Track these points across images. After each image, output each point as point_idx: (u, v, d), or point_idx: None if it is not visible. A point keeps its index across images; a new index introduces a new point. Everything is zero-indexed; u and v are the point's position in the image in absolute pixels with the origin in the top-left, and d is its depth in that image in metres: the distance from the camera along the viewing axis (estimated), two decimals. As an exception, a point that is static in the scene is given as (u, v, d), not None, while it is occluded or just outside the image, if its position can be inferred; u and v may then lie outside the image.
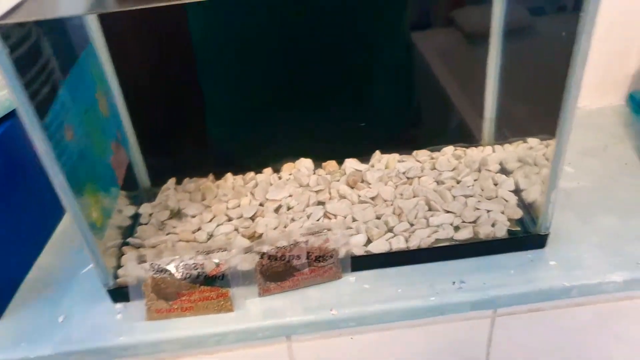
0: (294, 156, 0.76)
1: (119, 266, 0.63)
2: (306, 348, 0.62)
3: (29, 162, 0.66)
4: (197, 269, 0.59)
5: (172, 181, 0.75)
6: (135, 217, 0.70)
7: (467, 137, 0.76)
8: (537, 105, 0.69)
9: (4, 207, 0.62)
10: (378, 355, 0.65)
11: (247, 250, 0.60)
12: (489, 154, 0.73)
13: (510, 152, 0.72)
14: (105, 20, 0.63)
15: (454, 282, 0.59)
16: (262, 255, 0.58)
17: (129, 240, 0.66)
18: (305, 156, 0.76)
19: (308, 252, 0.59)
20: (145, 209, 0.71)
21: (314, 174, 0.74)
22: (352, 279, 0.61)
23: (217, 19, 0.70)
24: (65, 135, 0.53)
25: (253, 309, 0.59)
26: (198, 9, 0.68)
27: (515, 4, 0.65)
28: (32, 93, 0.47)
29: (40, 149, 0.49)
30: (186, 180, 0.75)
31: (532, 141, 0.72)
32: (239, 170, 0.76)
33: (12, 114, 0.65)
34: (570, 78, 0.49)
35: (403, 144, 0.76)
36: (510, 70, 0.69)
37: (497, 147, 0.74)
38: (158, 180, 0.75)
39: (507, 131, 0.73)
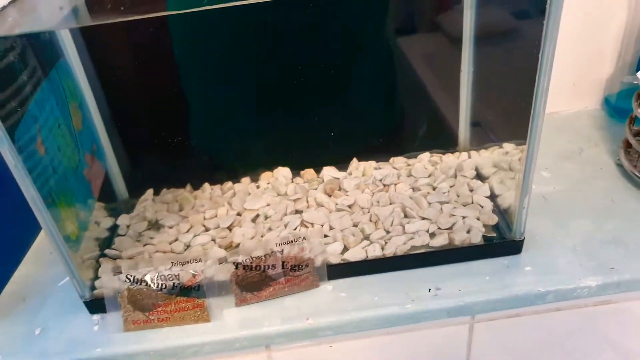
0: (272, 165, 0.77)
1: (96, 277, 0.63)
2: (285, 357, 0.62)
3: (4, 174, 0.65)
4: (173, 280, 0.59)
5: (149, 192, 0.74)
6: (114, 229, 0.70)
7: (444, 143, 0.76)
8: (511, 111, 0.69)
9: (-22, 221, 0.62)
10: (357, 363, 0.65)
11: (222, 261, 0.60)
12: (465, 159, 0.73)
13: (486, 157, 0.72)
14: (78, 33, 0.63)
15: (430, 289, 0.59)
16: (237, 265, 0.58)
17: (107, 251, 0.66)
18: (284, 165, 0.76)
19: (283, 262, 0.59)
20: (123, 220, 0.70)
21: (292, 182, 0.75)
22: (329, 288, 0.61)
23: (193, 30, 0.70)
24: (37, 149, 0.53)
25: (230, 319, 0.59)
26: (175, 19, 0.69)
27: (485, 9, 0.66)
28: (1, 106, 0.47)
29: (10, 163, 0.49)
30: (164, 191, 0.75)
31: (508, 146, 0.73)
32: (217, 180, 0.76)
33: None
34: (538, 84, 0.49)
35: (381, 151, 0.76)
36: (484, 75, 0.69)
37: (473, 152, 0.74)
38: (136, 191, 0.75)
39: (494, 135, 0.74)
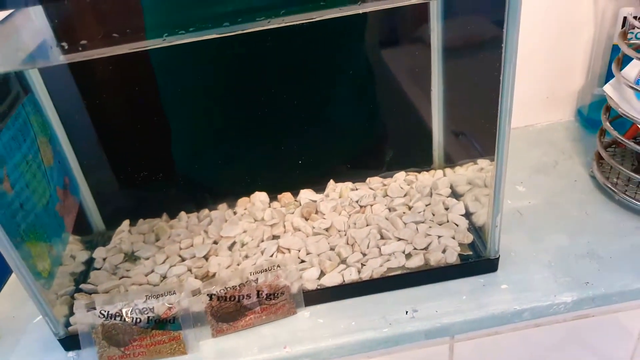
0: (249, 190, 0.76)
1: (71, 314, 0.62)
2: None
3: None
4: (147, 313, 0.58)
5: (126, 223, 0.74)
6: (90, 262, 0.69)
7: (419, 161, 0.76)
8: (483, 126, 0.70)
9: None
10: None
11: (196, 292, 0.59)
12: (440, 177, 0.73)
13: (461, 174, 0.72)
14: (46, 69, 0.63)
15: (407, 312, 0.59)
16: (212, 296, 0.57)
17: (82, 286, 0.65)
18: (261, 190, 0.76)
19: (258, 291, 0.58)
20: (99, 253, 0.70)
21: (269, 207, 0.74)
22: (306, 314, 0.60)
23: (168, 58, 0.70)
24: (2, 189, 0.53)
25: (207, 350, 0.58)
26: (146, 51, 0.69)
27: (452, 24, 0.67)
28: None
29: (-26, 205, 0.48)
30: (140, 221, 0.74)
31: (482, 162, 0.73)
32: (194, 207, 0.75)
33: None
34: (502, 101, 0.50)
35: (357, 171, 0.77)
36: (454, 90, 0.70)
37: (448, 170, 0.74)
38: (112, 222, 0.74)
39: (479, 146, 0.74)
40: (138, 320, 0.58)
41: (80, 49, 0.45)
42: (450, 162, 0.75)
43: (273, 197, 0.76)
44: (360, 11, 0.51)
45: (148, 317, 0.58)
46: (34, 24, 0.48)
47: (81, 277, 0.67)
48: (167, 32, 0.46)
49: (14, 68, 0.56)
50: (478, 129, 0.68)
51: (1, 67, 0.49)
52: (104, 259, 0.69)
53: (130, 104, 0.72)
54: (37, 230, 0.58)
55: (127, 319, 0.58)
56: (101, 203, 0.73)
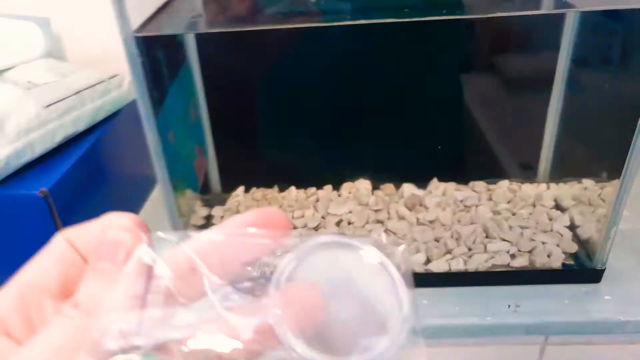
0: (352, 177, 0.81)
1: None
2: None
3: (111, 172, 0.72)
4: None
5: (241, 189, 0.80)
6: (209, 218, 0.75)
7: (523, 173, 0.79)
8: (595, 148, 0.73)
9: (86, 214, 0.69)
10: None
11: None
12: (544, 190, 0.76)
13: (565, 190, 0.75)
14: (200, 38, 0.69)
15: (509, 305, 0.62)
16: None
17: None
18: (364, 178, 0.81)
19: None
20: (217, 211, 0.76)
21: (372, 194, 0.79)
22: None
23: (294, 44, 0.76)
24: (168, 138, 0.59)
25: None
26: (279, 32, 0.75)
27: (584, 38, 0.70)
28: (151, 98, 0.54)
29: (152, 148, 0.55)
30: (253, 189, 0.80)
31: (587, 182, 0.76)
32: (301, 185, 0.81)
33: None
34: None
35: (456, 174, 0.80)
36: (573, 110, 0.73)
37: (552, 185, 0.77)
38: (228, 187, 0.80)
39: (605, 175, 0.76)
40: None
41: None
42: (555, 177, 0.78)
43: (375, 186, 0.81)
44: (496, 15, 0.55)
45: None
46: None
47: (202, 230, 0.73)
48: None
49: (183, 32, 0.63)
50: (596, 145, 0.70)
51: (175, 30, 0.56)
52: (222, 217, 0.75)
53: (263, 85, 0.78)
54: (183, 180, 0.65)
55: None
56: (222, 167, 0.80)
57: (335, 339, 0.21)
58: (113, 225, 0.21)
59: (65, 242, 0.22)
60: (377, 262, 0.22)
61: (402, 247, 0.23)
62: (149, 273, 0.20)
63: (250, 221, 0.21)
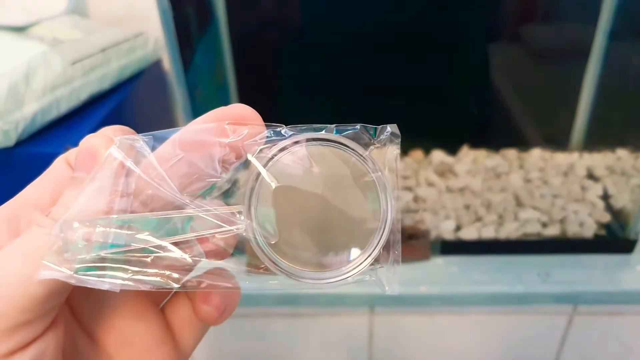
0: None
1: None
2: (385, 323, 0.66)
3: (135, 132, 0.71)
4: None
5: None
6: (234, 183, 0.75)
7: (556, 141, 0.78)
8: (630, 118, 0.71)
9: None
10: (451, 339, 0.68)
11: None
12: (576, 159, 0.74)
13: (598, 159, 0.73)
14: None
15: (539, 274, 0.61)
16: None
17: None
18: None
19: (402, 230, 0.62)
20: (242, 175, 0.75)
21: (400, 160, 0.78)
22: (440, 261, 0.64)
23: (327, 7, 0.74)
24: (195, 95, 0.58)
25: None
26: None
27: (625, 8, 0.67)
28: (181, 53, 0.52)
29: (179, 104, 0.54)
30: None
31: (621, 152, 0.74)
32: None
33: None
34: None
35: (487, 142, 0.79)
36: (612, 78, 0.70)
37: (585, 154, 0.75)
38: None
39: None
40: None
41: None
42: (589, 146, 0.76)
43: (403, 152, 0.79)
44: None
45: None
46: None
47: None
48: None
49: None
50: (632, 115, 0.68)
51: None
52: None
53: (293, 42, 0.76)
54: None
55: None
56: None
57: (310, 248, 0.20)
58: (92, 135, 0.20)
59: (65, 162, 0.21)
60: (358, 161, 0.20)
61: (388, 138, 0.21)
62: (118, 173, 0.19)
63: (219, 117, 0.20)
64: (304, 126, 0.20)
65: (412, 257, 0.63)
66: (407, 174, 0.74)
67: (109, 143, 0.20)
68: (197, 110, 0.58)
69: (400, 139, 0.21)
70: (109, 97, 0.68)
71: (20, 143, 0.56)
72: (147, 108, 0.74)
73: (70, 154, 0.21)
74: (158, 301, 0.23)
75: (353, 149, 0.20)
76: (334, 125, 0.20)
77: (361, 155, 0.20)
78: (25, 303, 0.17)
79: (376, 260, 0.20)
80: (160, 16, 0.48)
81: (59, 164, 0.21)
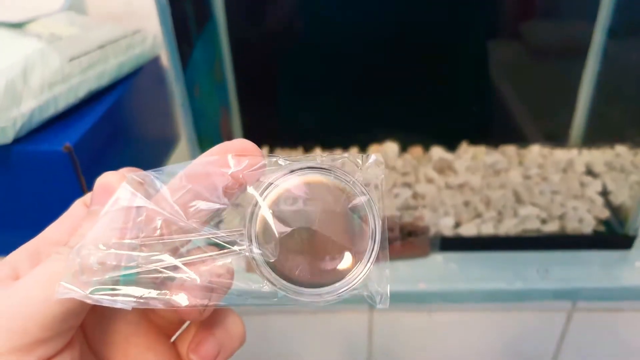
0: (379, 139, 0.80)
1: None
2: (384, 320, 0.66)
3: (133, 130, 0.71)
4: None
5: (265, 150, 0.79)
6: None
7: (555, 138, 0.78)
8: (629, 114, 0.71)
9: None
10: (450, 335, 0.68)
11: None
12: (575, 155, 0.74)
13: (597, 156, 0.73)
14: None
15: (538, 271, 0.61)
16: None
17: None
18: (390, 140, 0.79)
19: (401, 226, 0.62)
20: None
21: (400, 157, 0.77)
22: (439, 258, 0.64)
23: (327, 3, 0.74)
24: (194, 92, 0.58)
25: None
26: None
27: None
28: (179, 49, 0.52)
29: (178, 101, 0.54)
30: (278, 150, 0.79)
31: (620, 148, 0.74)
32: (327, 146, 0.79)
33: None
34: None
35: (486, 139, 0.79)
36: (611, 74, 0.70)
37: (584, 151, 0.75)
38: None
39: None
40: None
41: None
42: (588, 143, 0.76)
43: (402, 149, 0.79)
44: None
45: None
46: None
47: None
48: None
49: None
50: (630, 112, 0.68)
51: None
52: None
53: (292, 38, 0.76)
54: (208, 138, 0.63)
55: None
56: (246, 127, 0.78)
57: (305, 267, 0.22)
58: (107, 172, 0.23)
59: (82, 204, 0.23)
60: (348, 186, 0.22)
61: (373, 160, 0.23)
62: (129, 207, 0.21)
63: (222, 150, 0.23)
64: (298, 157, 0.23)
65: (411, 253, 0.63)
66: (406, 171, 0.74)
67: (122, 179, 0.22)
68: (195, 107, 0.57)
69: (383, 165, 0.23)
70: (107, 94, 0.68)
71: (18, 140, 0.56)
72: (146, 105, 0.74)
73: (87, 196, 0.23)
74: (170, 334, 0.25)
75: (343, 175, 0.22)
76: (326, 154, 0.23)
77: (350, 181, 0.22)
78: (46, 321, 0.19)
79: (367, 277, 0.22)
80: (158, 13, 0.48)
81: (76, 205, 0.23)
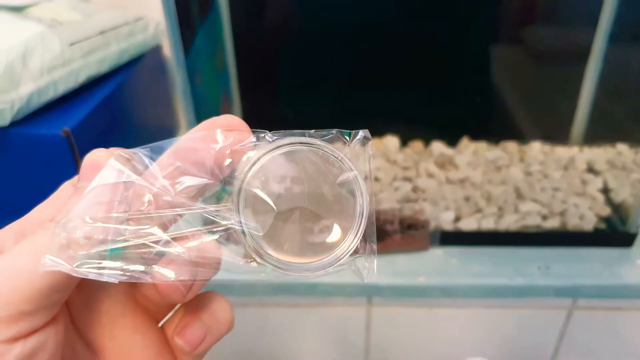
0: (380, 133, 0.79)
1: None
2: (383, 314, 0.65)
3: (133, 117, 0.71)
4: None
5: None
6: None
7: (556, 135, 0.77)
8: (630, 113, 0.70)
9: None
10: (450, 330, 0.67)
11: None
12: (576, 153, 0.74)
13: (598, 154, 0.73)
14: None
15: (539, 267, 0.61)
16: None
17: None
18: (390, 134, 0.79)
19: (401, 219, 0.61)
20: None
21: (401, 151, 0.77)
22: (439, 252, 0.63)
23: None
24: (195, 79, 0.57)
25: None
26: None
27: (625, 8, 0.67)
28: (181, 37, 0.51)
29: (179, 87, 0.53)
30: (277, 142, 0.78)
31: (621, 147, 0.73)
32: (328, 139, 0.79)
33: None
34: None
35: (487, 134, 0.78)
36: (613, 73, 0.70)
37: (585, 148, 0.75)
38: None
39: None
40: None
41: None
42: (589, 141, 0.76)
43: (403, 143, 0.79)
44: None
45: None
46: None
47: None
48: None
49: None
50: (632, 111, 0.68)
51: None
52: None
53: (293, 28, 0.75)
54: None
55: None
56: (246, 116, 0.77)
57: (294, 241, 0.22)
58: (95, 149, 0.22)
59: (71, 185, 0.23)
60: (336, 161, 0.22)
61: (361, 138, 0.23)
62: (117, 183, 0.21)
63: (210, 126, 0.22)
64: (286, 132, 0.23)
65: (411, 246, 0.63)
66: (407, 165, 0.73)
67: (111, 156, 0.21)
68: (197, 95, 0.57)
69: (371, 141, 0.23)
70: (108, 81, 0.67)
71: (15, 124, 0.55)
72: (147, 92, 0.73)
73: (76, 178, 0.23)
74: (158, 319, 0.24)
75: (330, 151, 0.22)
76: (313, 130, 0.23)
77: (338, 156, 0.22)
78: (30, 294, 0.19)
79: (355, 251, 0.22)
80: (161, 0, 0.48)
81: (65, 187, 0.23)
